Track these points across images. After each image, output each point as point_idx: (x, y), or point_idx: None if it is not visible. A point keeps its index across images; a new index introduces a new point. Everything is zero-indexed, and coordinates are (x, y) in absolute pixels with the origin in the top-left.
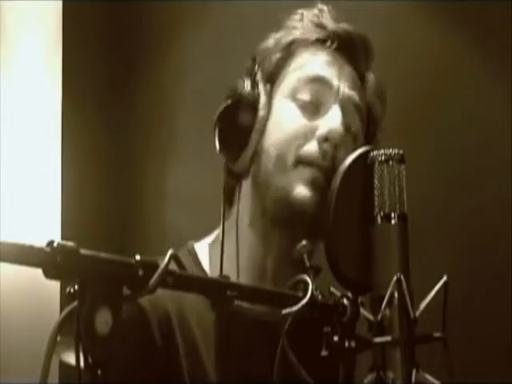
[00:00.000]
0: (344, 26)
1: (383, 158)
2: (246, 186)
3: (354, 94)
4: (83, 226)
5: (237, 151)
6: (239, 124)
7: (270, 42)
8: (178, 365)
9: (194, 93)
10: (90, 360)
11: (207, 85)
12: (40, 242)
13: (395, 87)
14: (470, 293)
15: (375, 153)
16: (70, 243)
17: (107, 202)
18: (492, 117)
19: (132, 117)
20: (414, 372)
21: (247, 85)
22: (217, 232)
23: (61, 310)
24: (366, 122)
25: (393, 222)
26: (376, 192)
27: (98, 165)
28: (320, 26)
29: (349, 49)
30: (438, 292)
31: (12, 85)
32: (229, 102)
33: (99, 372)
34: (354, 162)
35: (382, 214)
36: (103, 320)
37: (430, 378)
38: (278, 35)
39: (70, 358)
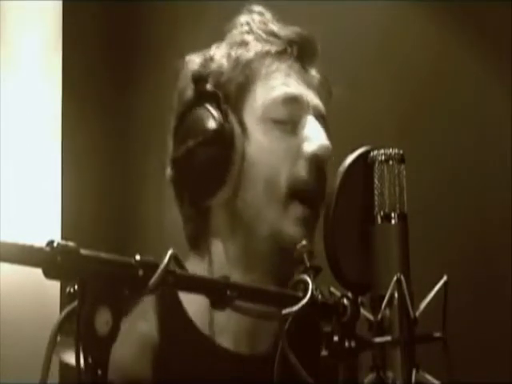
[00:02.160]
0: (292, 29)
1: (383, 157)
2: (224, 217)
3: (319, 103)
4: (83, 226)
5: (214, 187)
6: (215, 160)
7: (221, 63)
8: None
9: None
10: (89, 360)
11: None
12: (40, 241)
13: (395, 87)
14: (469, 293)
15: (375, 153)
16: (70, 243)
17: (107, 202)
18: (492, 116)
19: (132, 117)
20: (414, 372)
21: (215, 114)
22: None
23: (61, 310)
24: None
25: (393, 221)
26: (376, 192)
27: (97, 165)
28: (273, 34)
29: (305, 52)
30: (437, 292)
31: (12, 85)
32: (200, 139)
33: (99, 372)
34: (354, 161)
35: (382, 213)
36: (103, 320)
37: (430, 378)
38: (227, 54)
39: (70, 358)
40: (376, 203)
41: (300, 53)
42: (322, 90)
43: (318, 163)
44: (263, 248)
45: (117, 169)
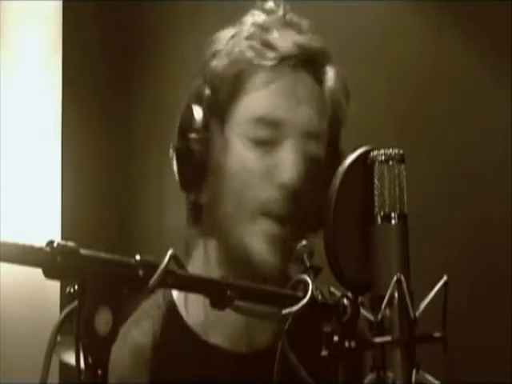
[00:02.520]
0: (297, 38)
1: (383, 157)
2: (210, 218)
3: (311, 125)
4: (83, 226)
5: (195, 190)
6: (193, 164)
7: (220, 63)
8: None
9: None
10: (90, 360)
11: None
12: (40, 241)
13: (395, 87)
14: (469, 293)
15: (375, 153)
16: (70, 243)
17: (107, 203)
18: (492, 116)
19: (132, 116)
20: (414, 372)
21: (198, 121)
22: (190, 262)
23: (61, 310)
24: (327, 130)
25: (393, 222)
26: (376, 192)
27: (97, 165)
28: (269, 46)
29: (303, 63)
30: (437, 292)
31: (12, 85)
32: (181, 142)
33: (99, 372)
34: (354, 161)
35: (382, 213)
36: (103, 320)
37: (430, 378)
38: (227, 54)
39: (70, 358)
40: (376, 203)
41: (300, 65)
42: (327, 102)
43: (287, 190)
44: (236, 257)
45: (117, 169)
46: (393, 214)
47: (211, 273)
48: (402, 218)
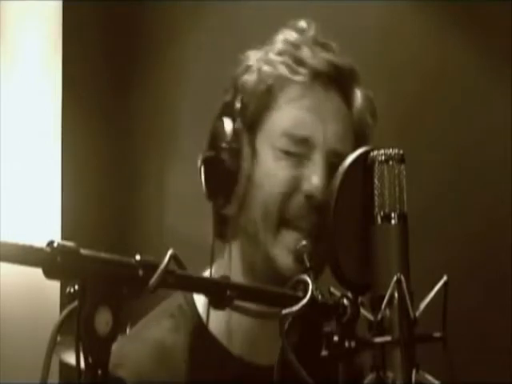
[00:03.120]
0: (327, 56)
1: (383, 157)
2: (237, 228)
3: (337, 144)
4: (83, 226)
5: (223, 199)
6: (223, 174)
7: (251, 78)
8: None
9: (194, 93)
10: (90, 360)
11: (207, 85)
12: (40, 241)
13: (395, 87)
14: (469, 293)
15: (375, 153)
16: (69, 243)
17: (107, 202)
18: (492, 116)
19: (132, 117)
20: (414, 372)
21: (229, 132)
22: (213, 270)
23: (61, 310)
24: (352, 150)
25: (393, 222)
26: (376, 192)
27: (97, 165)
28: (301, 63)
29: (334, 81)
30: (437, 292)
31: (12, 85)
32: (211, 152)
33: (99, 372)
34: (354, 161)
35: (382, 213)
36: (103, 320)
37: (430, 378)
38: (258, 69)
39: (70, 358)
40: (376, 203)
41: (330, 82)
42: (357, 119)
43: (312, 202)
44: (262, 267)
45: (117, 169)
46: (393, 214)
47: (237, 278)
48: (402, 217)
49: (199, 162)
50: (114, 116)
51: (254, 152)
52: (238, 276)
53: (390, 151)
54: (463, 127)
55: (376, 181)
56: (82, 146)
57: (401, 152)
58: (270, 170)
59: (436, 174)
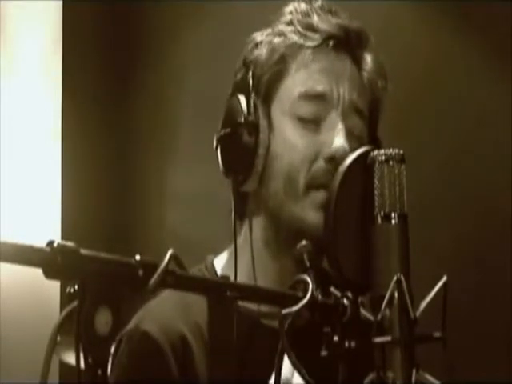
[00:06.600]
0: (337, 21)
1: (383, 157)
2: (257, 203)
3: (354, 98)
4: (83, 226)
5: (243, 175)
6: (241, 149)
7: (262, 51)
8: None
9: (194, 93)
10: (90, 360)
11: (207, 85)
12: (40, 241)
13: (395, 87)
14: (470, 293)
15: (375, 153)
16: (69, 243)
17: (107, 202)
18: (492, 116)
19: (132, 117)
20: (414, 372)
21: (244, 107)
22: (232, 248)
23: (61, 310)
24: (368, 113)
25: (393, 222)
26: (376, 192)
27: (97, 165)
28: (312, 28)
29: (344, 44)
30: (437, 292)
31: (12, 85)
32: (227, 129)
33: (99, 372)
34: (354, 161)
35: (382, 213)
36: (103, 320)
37: (430, 378)
38: (268, 42)
39: (70, 358)
40: (376, 203)
41: (341, 45)
42: (368, 82)
43: (335, 165)
44: (288, 236)
45: (117, 168)
46: (393, 214)
47: (256, 253)
48: (402, 217)
49: (215, 142)
50: (114, 116)
51: (270, 124)
52: (260, 248)
53: (390, 151)
54: (463, 128)
55: (376, 181)
56: (81, 146)
57: (401, 152)
58: (289, 141)
59: (436, 174)
